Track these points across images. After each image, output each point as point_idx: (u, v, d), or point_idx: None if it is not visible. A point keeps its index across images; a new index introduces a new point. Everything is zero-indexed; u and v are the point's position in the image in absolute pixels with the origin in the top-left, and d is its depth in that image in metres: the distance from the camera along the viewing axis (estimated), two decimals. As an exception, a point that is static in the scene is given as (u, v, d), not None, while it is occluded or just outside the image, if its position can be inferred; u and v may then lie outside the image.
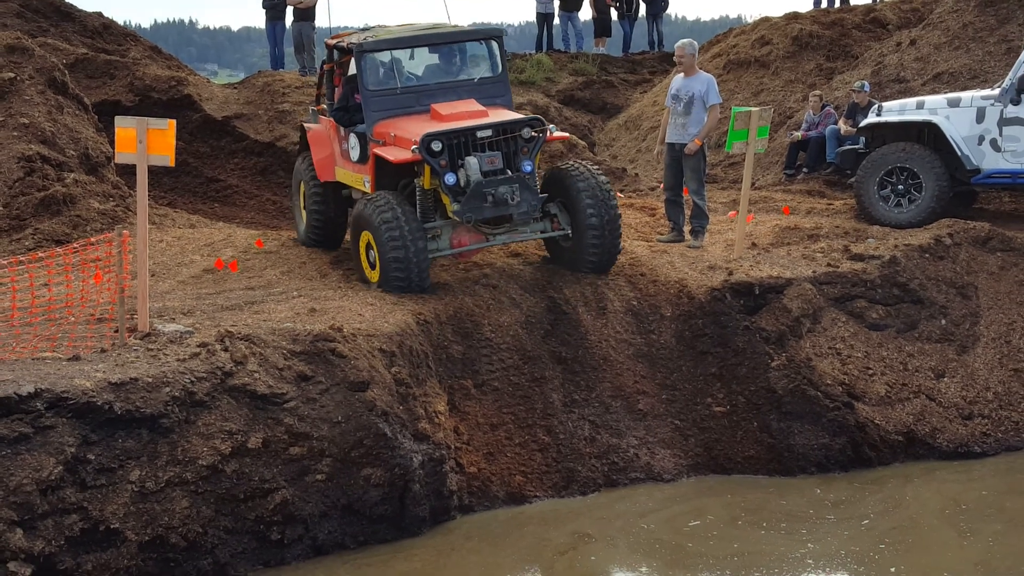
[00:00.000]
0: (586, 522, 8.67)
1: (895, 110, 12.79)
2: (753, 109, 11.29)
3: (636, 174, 17.28)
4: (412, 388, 8.56)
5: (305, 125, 11.69)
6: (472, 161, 9.45)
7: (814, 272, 10.52)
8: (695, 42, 11.80)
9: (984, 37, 15.65)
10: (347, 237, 11.06)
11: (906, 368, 10.12)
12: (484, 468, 8.92)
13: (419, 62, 10.90)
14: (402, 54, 10.67)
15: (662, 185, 12.19)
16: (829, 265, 10.69)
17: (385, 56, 10.47)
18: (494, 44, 10.72)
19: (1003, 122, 11.94)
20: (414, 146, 9.40)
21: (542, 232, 10.23)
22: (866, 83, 15.03)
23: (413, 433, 8.30)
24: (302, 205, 11.73)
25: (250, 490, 7.55)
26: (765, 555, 8.17)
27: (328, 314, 8.96)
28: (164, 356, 7.75)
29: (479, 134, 9.57)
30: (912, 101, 12.88)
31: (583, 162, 10.44)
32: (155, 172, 10.51)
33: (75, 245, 9.14)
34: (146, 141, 8.10)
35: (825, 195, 14.47)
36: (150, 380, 7.36)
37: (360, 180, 10.49)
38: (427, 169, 9.57)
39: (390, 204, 9.49)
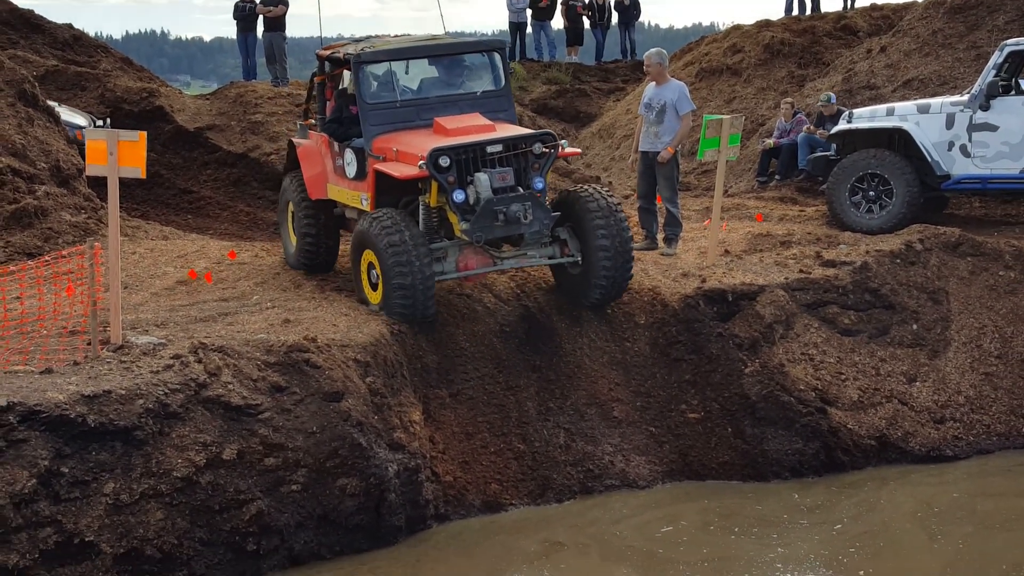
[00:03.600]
0: (559, 530, 8.69)
1: (866, 117, 12.88)
2: (724, 117, 11.35)
3: (610, 182, 17.34)
4: (387, 398, 8.56)
5: (294, 141, 11.07)
6: (482, 178, 9.03)
7: (786, 279, 10.58)
8: (663, 51, 11.84)
9: (953, 43, 15.80)
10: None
11: (878, 373, 10.19)
12: (460, 477, 8.93)
13: (414, 75, 10.41)
14: (399, 66, 10.21)
15: (636, 193, 12.23)
16: (801, 271, 10.75)
17: (384, 68, 10.04)
18: (496, 56, 10.26)
19: (972, 128, 12.05)
20: (421, 162, 8.94)
21: (551, 257, 9.79)
22: (832, 95, 15.12)
23: (388, 443, 8.30)
24: (291, 227, 11.12)
25: (225, 501, 7.52)
26: (735, 560, 8.24)
27: (302, 325, 8.95)
28: (137, 368, 7.71)
29: (489, 149, 9.13)
30: (882, 108, 12.99)
31: (594, 186, 10.09)
32: (127, 184, 10.46)
33: (47, 258, 9.10)
34: (117, 153, 8.05)
35: (797, 202, 14.56)
36: (123, 392, 7.33)
37: (356, 198, 9.97)
38: (434, 186, 9.14)
39: (397, 225, 9.01)
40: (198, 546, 7.42)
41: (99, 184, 9.97)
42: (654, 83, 11.59)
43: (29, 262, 9.29)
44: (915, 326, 10.61)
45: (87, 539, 6.95)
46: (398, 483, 8.22)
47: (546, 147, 9.34)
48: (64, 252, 8.90)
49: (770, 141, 15.71)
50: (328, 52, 10.56)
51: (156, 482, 7.26)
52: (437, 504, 8.64)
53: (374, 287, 9.34)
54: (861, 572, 8.01)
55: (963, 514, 8.99)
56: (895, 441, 9.82)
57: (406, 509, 8.31)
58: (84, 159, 8.53)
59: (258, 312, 9.43)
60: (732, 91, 18.65)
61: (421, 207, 9.43)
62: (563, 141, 9.62)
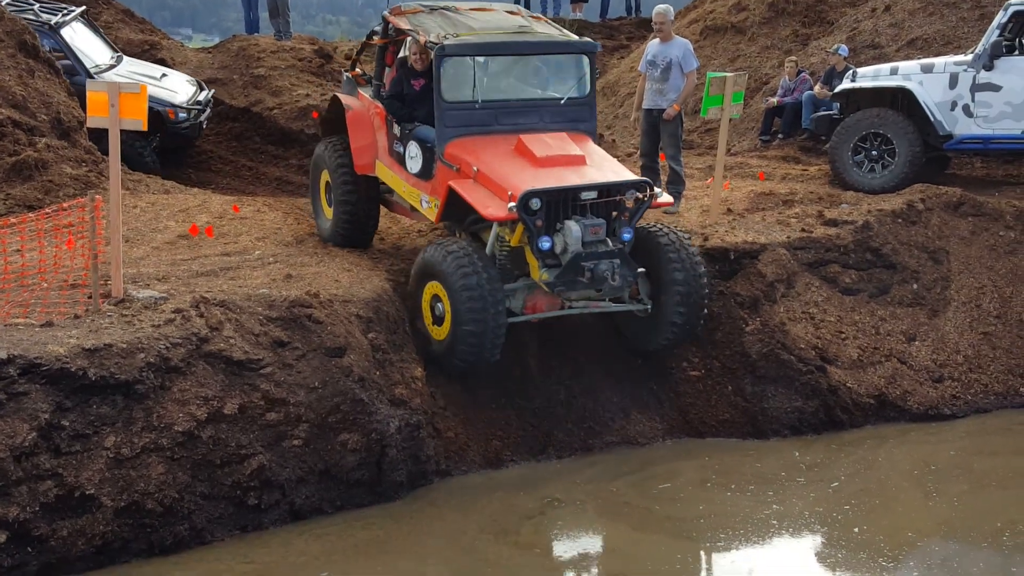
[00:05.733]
0: (558, 486, 8.72)
1: (869, 76, 12.82)
2: (728, 75, 11.29)
3: (613, 140, 17.24)
4: (389, 354, 8.57)
5: (341, 99, 10.17)
6: (574, 228, 8.33)
7: (788, 237, 10.57)
8: (671, 7, 11.77)
9: (958, 3, 15.67)
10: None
11: (878, 332, 10.21)
12: (461, 433, 8.96)
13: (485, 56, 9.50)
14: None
15: (639, 151, 12.18)
16: (803, 230, 10.74)
17: (468, 62, 9.15)
18: (585, 60, 9.39)
19: (975, 88, 11.99)
20: (511, 204, 8.23)
21: (621, 302, 9.20)
22: (844, 47, 15.04)
23: (390, 399, 8.32)
24: (324, 198, 10.39)
25: (226, 456, 7.55)
26: (730, 516, 8.28)
27: (304, 280, 8.95)
28: (139, 322, 7.72)
29: (583, 195, 8.46)
30: (886, 67, 12.91)
31: (668, 225, 9.39)
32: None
33: (47, 210, 9.07)
34: (118, 105, 8.01)
35: (800, 161, 14.52)
36: (124, 346, 7.34)
37: (415, 195, 9.32)
38: (519, 227, 8.53)
39: (474, 265, 8.30)
40: (199, 500, 7.46)
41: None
42: (657, 40, 11.51)
43: (29, 214, 9.25)
44: (915, 285, 10.62)
45: (88, 492, 6.99)
46: (399, 439, 8.25)
47: (640, 195, 8.67)
48: (65, 205, 8.88)
49: (774, 100, 15.62)
50: (404, 25, 9.59)
51: (157, 436, 7.29)
52: (438, 460, 8.67)
53: (438, 322, 8.66)
54: (856, 529, 8.07)
55: (960, 472, 9.05)
56: (894, 400, 9.87)
57: (407, 465, 8.34)
58: (85, 111, 8.49)
59: (260, 267, 9.42)
60: (736, 49, 18.49)
61: (495, 238, 8.75)
62: (658, 190, 8.92)
